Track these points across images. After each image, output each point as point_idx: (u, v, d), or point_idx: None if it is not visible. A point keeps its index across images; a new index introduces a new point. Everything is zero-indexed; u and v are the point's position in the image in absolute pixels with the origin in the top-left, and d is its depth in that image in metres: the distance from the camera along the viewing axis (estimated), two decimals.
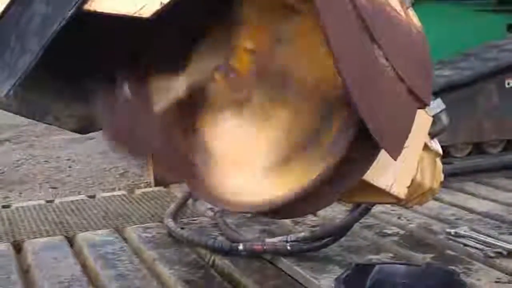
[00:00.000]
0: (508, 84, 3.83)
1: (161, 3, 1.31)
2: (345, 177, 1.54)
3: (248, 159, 1.69)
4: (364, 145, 1.46)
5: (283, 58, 1.63)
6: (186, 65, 1.71)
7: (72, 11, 1.43)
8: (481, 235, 2.64)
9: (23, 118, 1.96)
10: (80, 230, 2.96)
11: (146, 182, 4.19)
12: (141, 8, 1.34)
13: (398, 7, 1.58)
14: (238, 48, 1.69)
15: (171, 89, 1.71)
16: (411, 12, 1.66)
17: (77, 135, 2.08)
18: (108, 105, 1.75)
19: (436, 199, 3.03)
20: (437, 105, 2.00)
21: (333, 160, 1.49)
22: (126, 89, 1.72)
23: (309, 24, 1.48)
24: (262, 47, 1.66)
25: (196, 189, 1.76)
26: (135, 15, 1.35)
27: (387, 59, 1.40)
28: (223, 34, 1.69)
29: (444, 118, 2.04)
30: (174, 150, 1.74)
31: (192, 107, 1.76)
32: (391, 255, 2.53)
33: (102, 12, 1.41)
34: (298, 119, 1.61)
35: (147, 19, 1.33)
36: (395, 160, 1.43)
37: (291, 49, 1.62)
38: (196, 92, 1.73)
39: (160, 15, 1.34)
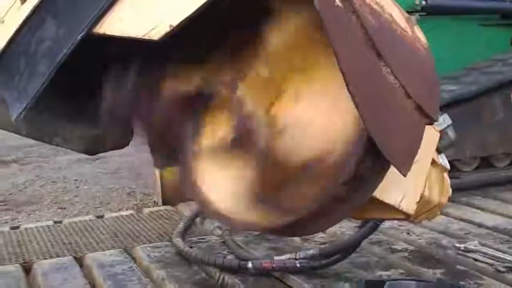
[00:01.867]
0: None
1: (170, 25, 1.33)
2: (354, 194, 1.55)
3: (252, 179, 1.70)
4: (373, 162, 1.47)
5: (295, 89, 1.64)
6: (200, 67, 1.71)
7: (82, 34, 1.44)
8: (491, 250, 2.63)
9: (29, 139, 1.97)
10: (89, 251, 2.97)
11: (154, 201, 4.19)
12: (150, 31, 1.35)
13: (404, 24, 1.59)
14: (251, 72, 1.69)
15: (183, 84, 1.71)
16: (417, 28, 1.67)
17: (84, 156, 2.09)
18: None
19: (444, 214, 3.03)
20: (443, 120, 2.01)
21: (343, 177, 1.49)
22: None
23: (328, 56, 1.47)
24: (277, 77, 1.67)
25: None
26: (144, 37, 1.36)
27: (394, 76, 1.41)
28: (241, 52, 1.69)
29: (451, 133, 2.04)
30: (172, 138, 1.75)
31: (197, 110, 1.77)
32: (401, 271, 2.53)
33: (112, 35, 1.42)
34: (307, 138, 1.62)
35: (156, 42, 1.35)
36: (404, 176, 1.44)
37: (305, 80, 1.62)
38: (204, 96, 1.74)
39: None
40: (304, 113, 1.64)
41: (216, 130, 1.79)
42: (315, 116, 1.62)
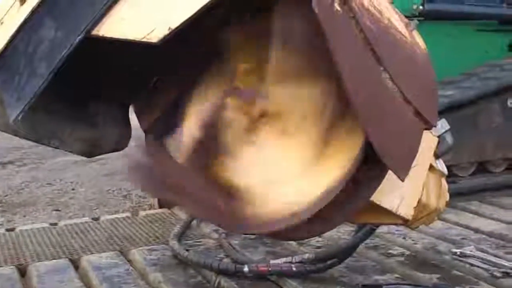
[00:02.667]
0: (511, 103, 3.84)
1: (169, 28, 1.33)
2: (352, 198, 1.55)
3: (262, 179, 1.69)
4: (371, 166, 1.47)
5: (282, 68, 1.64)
6: (194, 98, 1.72)
7: (80, 36, 1.44)
8: (487, 255, 2.63)
9: (26, 140, 1.96)
10: (85, 253, 2.96)
11: (150, 204, 4.18)
12: (149, 33, 1.35)
13: (403, 29, 1.60)
14: (238, 71, 1.70)
15: (187, 132, 1.72)
16: (415, 34, 1.67)
17: (81, 158, 2.09)
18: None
19: (441, 219, 3.03)
20: (441, 125, 2.01)
21: (341, 181, 1.49)
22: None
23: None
24: (260, 64, 1.67)
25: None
26: (143, 40, 1.36)
27: (393, 82, 1.41)
28: (223, 62, 1.70)
29: (449, 139, 2.05)
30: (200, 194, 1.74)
31: (208, 149, 1.76)
32: (397, 275, 2.52)
33: (111, 38, 1.42)
34: (306, 141, 1.62)
35: (155, 44, 1.34)
36: (402, 181, 1.44)
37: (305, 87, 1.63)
38: (209, 131, 1.74)
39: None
40: (302, 114, 1.64)
41: (217, 132, 1.79)
42: (313, 118, 1.63)
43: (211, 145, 1.75)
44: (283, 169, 1.63)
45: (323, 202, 1.50)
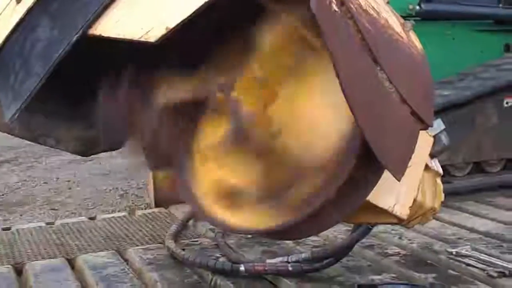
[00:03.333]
0: (507, 103, 3.85)
1: (166, 27, 1.33)
2: (348, 198, 1.55)
3: (249, 181, 1.70)
4: (367, 166, 1.47)
5: (289, 92, 1.64)
6: (195, 72, 1.71)
7: (77, 35, 1.44)
8: (483, 255, 2.64)
9: (21, 139, 1.96)
10: (81, 252, 2.95)
11: (146, 203, 4.18)
12: (146, 33, 1.35)
13: (399, 29, 1.60)
14: (247, 75, 1.70)
15: (177, 89, 1.71)
16: (412, 34, 1.68)
17: (77, 157, 2.09)
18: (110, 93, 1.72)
19: (436, 219, 3.03)
20: (437, 125, 2.02)
21: (337, 181, 1.50)
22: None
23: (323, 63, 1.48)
24: (272, 78, 1.67)
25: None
26: (140, 39, 1.36)
27: (390, 82, 1.41)
28: (236, 54, 1.69)
29: (444, 138, 2.05)
30: (168, 148, 1.74)
31: (192, 112, 1.76)
32: (393, 275, 2.53)
33: (108, 37, 1.42)
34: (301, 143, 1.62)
35: (152, 44, 1.34)
36: (398, 181, 1.44)
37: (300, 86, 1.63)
38: (199, 99, 1.74)
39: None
40: (299, 115, 1.64)
41: (212, 133, 1.79)
42: (310, 119, 1.63)
43: (207, 143, 1.76)
44: (280, 170, 1.64)
45: (319, 200, 1.51)
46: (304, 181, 1.58)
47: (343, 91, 1.25)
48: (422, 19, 4.03)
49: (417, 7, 4.04)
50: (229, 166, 1.73)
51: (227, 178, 1.72)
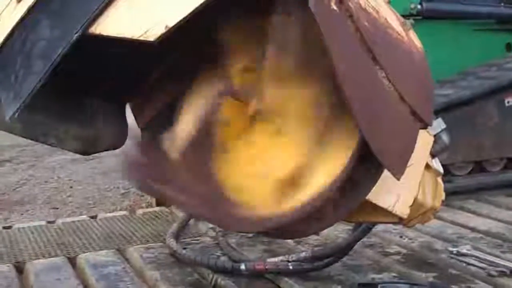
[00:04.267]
0: (508, 102, 3.85)
1: (166, 26, 1.33)
2: (348, 197, 1.55)
3: (248, 181, 1.69)
4: (367, 165, 1.47)
5: (289, 91, 1.64)
6: (190, 96, 1.72)
7: (77, 34, 1.44)
8: (484, 254, 2.64)
9: (23, 138, 1.96)
10: (82, 251, 2.96)
11: (148, 202, 4.18)
12: (146, 32, 1.35)
13: (399, 28, 1.60)
14: (233, 70, 1.70)
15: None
16: (412, 33, 1.67)
17: (78, 156, 2.09)
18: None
19: (437, 218, 3.03)
20: (437, 124, 2.02)
21: (338, 180, 1.50)
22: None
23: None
24: (256, 63, 1.67)
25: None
26: (140, 38, 1.36)
27: (389, 80, 1.42)
28: (219, 61, 1.70)
29: (445, 138, 2.05)
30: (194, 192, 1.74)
31: (203, 146, 1.77)
32: (393, 274, 2.53)
33: (108, 36, 1.42)
34: (302, 140, 1.62)
35: (151, 43, 1.34)
36: (398, 180, 1.44)
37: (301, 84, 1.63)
38: (204, 129, 1.74)
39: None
40: (299, 114, 1.65)
41: (212, 131, 1.79)
42: (310, 118, 1.63)
43: (206, 144, 1.76)
44: (278, 167, 1.64)
45: (319, 200, 1.51)
46: (304, 180, 1.58)
47: (342, 90, 1.25)
48: (423, 18, 4.03)
49: (419, 6, 4.04)
50: (229, 165, 1.73)
51: (227, 177, 1.72)
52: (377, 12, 1.48)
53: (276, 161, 1.64)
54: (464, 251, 2.69)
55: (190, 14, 1.33)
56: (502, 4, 4.52)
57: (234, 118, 1.72)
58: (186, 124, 1.76)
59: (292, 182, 1.60)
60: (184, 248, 2.83)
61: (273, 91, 1.68)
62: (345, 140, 1.50)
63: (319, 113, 1.59)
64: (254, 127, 1.68)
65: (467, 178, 3.89)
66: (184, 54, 1.69)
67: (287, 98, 1.66)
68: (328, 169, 1.53)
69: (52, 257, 2.90)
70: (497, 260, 2.57)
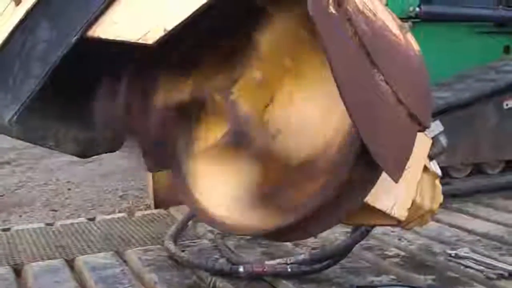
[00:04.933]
0: (506, 105, 3.85)
1: (164, 29, 1.33)
2: (346, 200, 1.55)
3: (247, 183, 1.70)
4: (365, 168, 1.48)
5: (287, 94, 1.64)
6: (194, 72, 1.71)
7: (76, 37, 1.44)
8: (482, 256, 2.64)
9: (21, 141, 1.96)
10: (81, 253, 2.96)
11: (146, 204, 4.18)
12: (145, 35, 1.35)
13: (397, 31, 1.60)
14: (246, 77, 1.70)
15: (177, 90, 1.72)
16: (409, 36, 1.68)
17: (76, 158, 2.10)
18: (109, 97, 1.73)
19: (436, 220, 3.04)
20: (435, 127, 2.02)
21: (335, 183, 1.50)
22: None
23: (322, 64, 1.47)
24: (270, 80, 1.67)
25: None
26: (139, 41, 1.36)
27: (387, 83, 1.42)
28: (234, 56, 1.69)
29: (443, 140, 2.05)
30: (167, 149, 1.75)
31: (190, 114, 1.77)
32: (392, 276, 2.53)
33: (106, 39, 1.42)
34: (299, 144, 1.62)
35: (150, 46, 1.35)
36: (396, 182, 1.44)
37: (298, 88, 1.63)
38: (197, 101, 1.74)
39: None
40: (297, 116, 1.65)
41: (210, 134, 1.79)
42: (308, 119, 1.63)
43: (206, 144, 1.76)
44: (278, 170, 1.64)
45: (317, 201, 1.51)
46: (302, 182, 1.58)
47: (340, 92, 1.26)
48: (422, 20, 4.03)
49: (417, 9, 4.04)
50: (227, 167, 1.73)
51: (225, 179, 1.72)
52: (375, 15, 1.49)
53: (272, 165, 1.64)
54: (463, 253, 2.69)
55: (188, 17, 1.33)
56: (501, 6, 4.52)
57: (235, 124, 1.72)
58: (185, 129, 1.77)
59: (291, 184, 1.60)
60: (183, 251, 2.83)
61: (271, 93, 1.69)
62: (341, 144, 1.51)
63: (315, 116, 1.60)
64: (249, 130, 1.68)
65: (465, 180, 3.89)
66: (183, 57, 1.69)
67: (289, 101, 1.67)
68: (327, 170, 1.53)
69: (51, 259, 2.89)
70: (495, 263, 2.57)
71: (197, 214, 1.86)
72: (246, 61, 1.67)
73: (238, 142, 1.70)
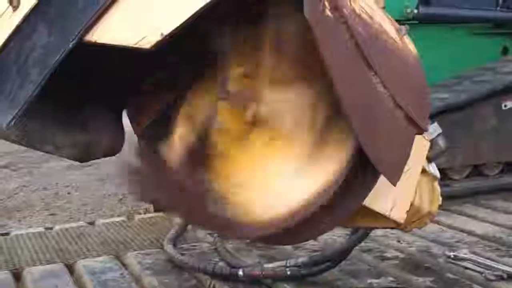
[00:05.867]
0: (505, 106, 3.86)
1: (161, 34, 1.33)
2: (344, 203, 1.55)
3: (246, 186, 1.69)
4: (363, 171, 1.48)
5: (286, 96, 1.64)
6: (187, 102, 1.72)
7: (73, 42, 1.44)
8: (481, 258, 2.64)
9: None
10: (80, 257, 2.96)
11: (146, 208, 4.18)
12: (141, 39, 1.35)
13: (394, 34, 1.60)
14: (230, 75, 1.70)
15: (180, 136, 1.73)
16: (406, 39, 1.68)
17: (75, 162, 2.10)
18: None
19: (435, 222, 3.04)
20: (434, 129, 2.02)
21: (333, 186, 1.50)
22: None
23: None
24: (253, 68, 1.67)
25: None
26: (135, 46, 1.36)
27: (384, 87, 1.42)
28: (217, 66, 1.70)
29: (441, 142, 2.05)
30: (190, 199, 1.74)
31: (200, 153, 1.77)
32: (391, 278, 2.53)
33: (103, 43, 1.42)
34: (299, 145, 1.62)
35: (147, 50, 1.35)
36: (394, 185, 1.45)
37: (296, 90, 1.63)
38: (202, 134, 1.75)
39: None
40: (295, 120, 1.65)
41: (209, 137, 1.79)
42: (307, 122, 1.63)
43: (203, 149, 1.76)
44: (275, 172, 1.64)
45: (314, 205, 1.51)
46: (300, 186, 1.58)
47: (338, 96, 1.26)
48: (420, 22, 4.03)
49: (415, 11, 4.04)
50: (225, 170, 1.73)
51: (223, 183, 1.72)
52: (372, 18, 1.49)
53: (273, 167, 1.64)
54: (462, 255, 2.69)
55: (186, 21, 1.33)
56: (498, 8, 4.53)
57: (230, 124, 1.72)
58: (182, 131, 1.77)
59: (289, 187, 1.60)
60: (182, 254, 2.83)
61: (270, 96, 1.69)
62: (341, 144, 1.51)
63: (316, 118, 1.60)
64: (251, 133, 1.68)
65: (464, 182, 3.90)
66: (180, 61, 1.70)
67: (284, 103, 1.66)
68: (324, 173, 1.53)
69: (50, 263, 2.89)
70: (494, 264, 2.57)
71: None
72: (245, 63, 1.68)
73: (236, 144, 1.71)
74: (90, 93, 1.79)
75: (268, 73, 1.67)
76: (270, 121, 1.68)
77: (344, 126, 1.47)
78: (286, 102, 1.66)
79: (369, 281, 2.50)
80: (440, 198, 2.13)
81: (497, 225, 3.23)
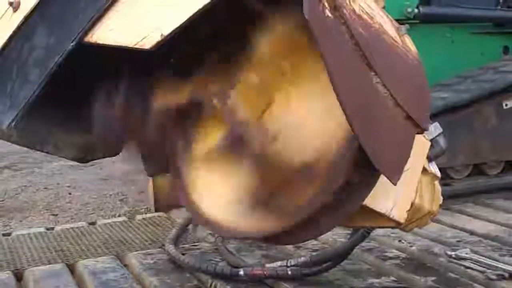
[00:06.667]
0: (506, 105, 3.85)
1: (161, 34, 1.33)
2: (345, 202, 1.55)
3: (246, 187, 1.70)
4: (363, 170, 1.48)
5: (285, 97, 1.64)
6: (191, 77, 1.71)
7: (73, 43, 1.45)
8: (482, 257, 2.64)
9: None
10: (81, 257, 2.96)
11: (147, 208, 4.18)
12: (142, 40, 1.36)
13: (394, 34, 1.60)
14: (242, 81, 1.70)
15: (175, 92, 1.72)
16: (407, 38, 1.68)
17: (77, 162, 2.11)
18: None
19: (436, 221, 3.03)
20: (434, 129, 2.02)
21: (334, 186, 1.50)
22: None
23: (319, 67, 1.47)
24: (268, 84, 1.67)
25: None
26: (136, 46, 1.37)
27: (384, 86, 1.42)
28: (232, 60, 1.69)
29: (442, 142, 2.06)
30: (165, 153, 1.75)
31: (188, 118, 1.77)
32: (392, 278, 2.53)
33: (104, 44, 1.42)
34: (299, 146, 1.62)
35: (147, 51, 1.35)
36: (394, 185, 1.45)
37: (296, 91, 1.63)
38: (195, 105, 1.74)
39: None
40: (295, 119, 1.65)
41: (209, 138, 1.79)
42: (306, 123, 1.63)
43: (204, 148, 1.77)
44: (276, 175, 1.64)
45: (315, 204, 1.52)
46: (301, 186, 1.59)
47: (337, 96, 1.26)
48: (420, 22, 4.03)
49: (415, 10, 4.04)
50: (226, 171, 1.73)
51: (223, 183, 1.73)
52: (372, 18, 1.49)
53: (271, 169, 1.64)
54: (463, 254, 2.69)
55: (185, 22, 1.34)
56: (499, 7, 4.52)
57: (229, 127, 1.72)
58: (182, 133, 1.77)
59: (289, 187, 1.61)
60: (183, 254, 2.82)
61: (269, 96, 1.69)
62: (339, 147, 1.51)
63: (313, 120, 1.60)
64: (247, 135, 1.68)
65: (465, 181, 3.89)
66: (180, 61, 1.70)
67: (286, 105, 1.67)
68: (324, 174, 1.53)
69: (51, 264, 2.89)
70: (496, 264, 2.57)
71: (195, 218, 1.86)
72: (243, 65, 1.67)
73: (236, 146, 1.70)
74: (90, 93, 1.80)
75: (269, 76, 1.67)
76: (271, 122, 1.68)
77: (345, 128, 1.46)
78: (286, 100, 1.67)
79: (370, 280, 2.50)
80: (441, 198, 2.13)
81: (499, 224, 3.23)
